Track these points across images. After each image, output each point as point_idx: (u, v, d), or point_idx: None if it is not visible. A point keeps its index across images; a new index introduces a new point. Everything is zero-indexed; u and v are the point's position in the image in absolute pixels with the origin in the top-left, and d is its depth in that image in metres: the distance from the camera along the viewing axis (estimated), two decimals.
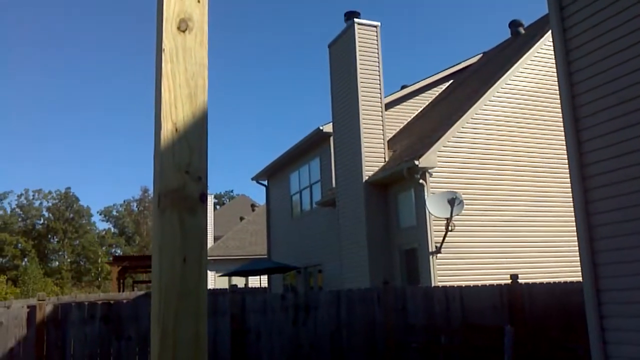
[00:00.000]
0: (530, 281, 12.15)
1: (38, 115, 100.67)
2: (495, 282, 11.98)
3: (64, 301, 21.29)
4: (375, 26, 17.86)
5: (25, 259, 69.30)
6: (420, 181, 14.65)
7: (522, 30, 21.60)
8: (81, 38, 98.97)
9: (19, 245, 71.28)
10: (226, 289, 20.95)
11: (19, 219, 76.17)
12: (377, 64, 17.52)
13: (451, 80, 22.40)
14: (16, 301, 24.26)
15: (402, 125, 20.78)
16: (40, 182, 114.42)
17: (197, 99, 1.47)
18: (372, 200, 16.40)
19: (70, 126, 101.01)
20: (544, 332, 11.03)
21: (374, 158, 16.93)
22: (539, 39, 16.73)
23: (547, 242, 15.22)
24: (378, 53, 17.62)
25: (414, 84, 21.68)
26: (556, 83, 7.48)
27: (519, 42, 19.93)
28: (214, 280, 32.24)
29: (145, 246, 75.96)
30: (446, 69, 22.58)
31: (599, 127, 6.75)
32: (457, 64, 22.85)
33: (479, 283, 12.24)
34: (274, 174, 25.26)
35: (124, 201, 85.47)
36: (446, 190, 14.34)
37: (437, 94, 21.91)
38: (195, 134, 1.46)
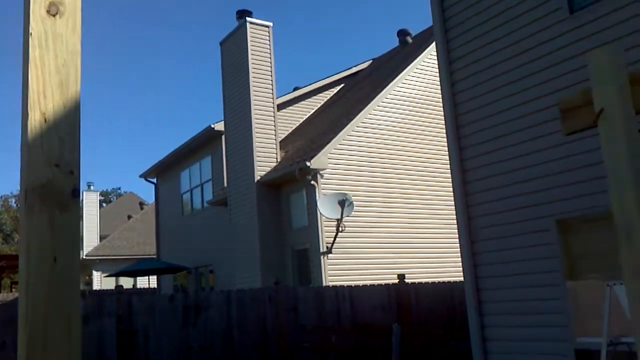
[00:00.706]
0: (417, 281, 12.58)
1: None
2: (383, 282, 12.29)
3: None
4: (267, 26, 17.84)
5: None
6: (312, 182, 14.79)
7: (409, 40, 22.37)
8: None
9: None
10: (112, 289, 20.13)
11: None
12: (269, 63, 17.51)
13: (343, 84, 22.80)
14: None
15: (294, 127, 20.90)
16: None
17: (69, 89, 1.37)
18: (264, 200, 16.36)
19: None
20: (430, 329, 11.44)
21: (266, 158, 16.90)
22: (425, 49, 17.39)
23: (432, 243, 15.83)
24: (270, 53, 17.61)
25: (306, 86, 21.86)
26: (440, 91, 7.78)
27: (406, 50, 20.62)
28: (100, 281, 30.94)
29: None
30: (338, 73, 22.96)
31: (479, 135, 7.09)
32: (348, 69, 23.29)
33: (369, 283, 12.51)
34: (164, 172, 24.56)
35: (1, 197, 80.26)
36: (337, 191, 14.57)
37: (329, 96, 22.23)
38: (67, 125, 1.36)
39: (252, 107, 16.88)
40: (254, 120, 16.87)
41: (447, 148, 7.47)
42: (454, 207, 7.31)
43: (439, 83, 7.86)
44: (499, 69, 6.90)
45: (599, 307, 5.53)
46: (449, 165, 7.45)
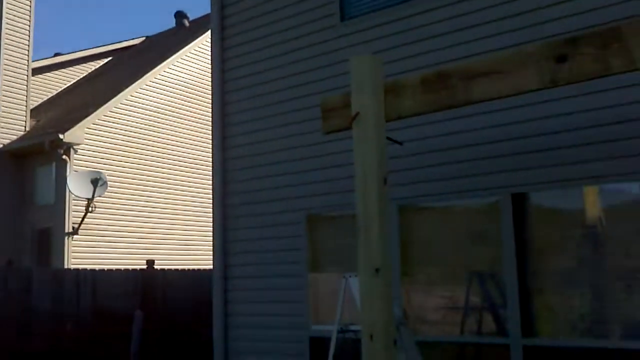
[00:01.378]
0: (168, 267, 12.33)
1: None
2: (132, 267, 11.82)
3: None
4: None
5: None
6: (64, 157, 13.72)
7: (186, 23, 21.99)
8: None
9: None
10: None
11: None
12: (28, 20, 15.85)
13: (111, 57, 21.57)
14: None
15: (51, 95, 19.21)
16: None
17: None
18: (6, 171, 14.76)
19: None
20: (177, 317, 11.26)
21: (12, 125, 15.25)
22: (201, 34, 17.20)
23: (188, 231, 15.68)
24: (31, 9, 15.96)
25: (69, 54, 20.27)
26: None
27: (182, 33, 20.21)
28: None
29: None
30: (107, 45, 21.70)
31: (243, 126, 7.19)
32: (119, 42, 22.15)
33: (117, 267, 11.94)
34: None
35: None
36: (91, 169, 13.71)
37: (94, 68, 20.87)
38: None
39: (2, 65, 15.10)
40: (1, 81, 15.09)
41: (211, 137, 7.42)
42: (211, 194, 7.28)
43: (210, 71, 7.77)
44: (269, 64, 7.06)
45: (336, 298, 5.92)
46: (210, 154, 7.42)
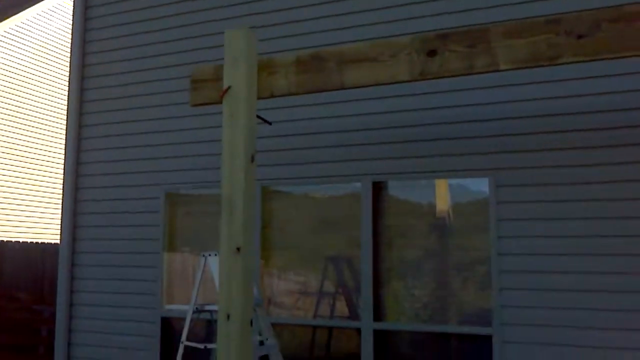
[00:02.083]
0: (7, 239, 11.40)
1: None
2: None
3: None
4: None
5: None
6: None
7: None
8: None
9: None
10: None
11: None
12: None
13: None
14: None
15: None
16: None
17: None
18: None
19: None
20: (13, 293, 10.45)
21: None
22: None
23: (33, 201, 14.60)
24: None
25: None
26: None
27: None
28: None
29: None
30: None
31: (103, 91, 6.82)
32: None
33: None
34: None
35: None
36: None
37: None
38: None
39: None
40: None
41: (67, 101, 6.93)
42: (63, 162, 6.79)
43: (70, 30, 7.23)
44: (135, 28, 6.71)
45: (192, 277, 5.76)
46: (65, 117, 6.92)
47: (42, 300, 9.96)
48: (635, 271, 4.58)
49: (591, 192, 4.78)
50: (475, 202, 5.34)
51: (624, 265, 4.61)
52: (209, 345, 4.21)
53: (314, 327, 5.81)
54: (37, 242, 11.71)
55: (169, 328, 6.07)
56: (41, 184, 14.68)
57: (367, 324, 5.34)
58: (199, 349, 4.35)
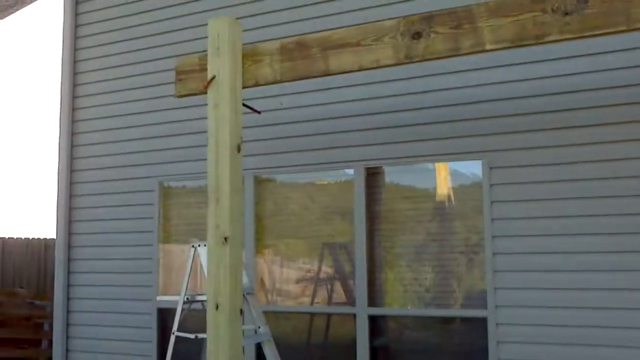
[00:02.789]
0: (9, 236, 11.44)
1: None
2: None
3: None
4: None
5: None
6: None
7: None
8: None
9: None
10: None
11: None
12: None
13: None
14: None
15: None
16: None
17: None
18: None
19: None
20: (18, 288, 10.50)
21: None
22: None
23: (31, 196, 14.64)
24: None
25: None
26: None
27: None
28: None
29: None
30: None
31: (96, 85, 6.80)
32: None
33: None
34: None
35: None
36: None
37: None
38: None
39: None
40: None
41: (60, 93, 6.91)
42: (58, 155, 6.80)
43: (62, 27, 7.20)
44: (124, 22, 6.68)
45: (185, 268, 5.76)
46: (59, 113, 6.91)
47: (45, 294, 10.00)
48: (628, 250, 4.55)
49: (583, 171, 4.74)
50: (468, 185, 5.30)
51: (617, 244, 4.58)
52: (200, 335, 4.21)
53: (310, 314, 5.81)
54: (39, 238, 11.75)
55: (166, 319, 6.08)
56: (43, 180, 14.70)
57: (362, 310, 5.33)
58: (191, 339, 4.35)
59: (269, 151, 5.79)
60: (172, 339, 4.50)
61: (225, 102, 3.84)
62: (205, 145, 3.64)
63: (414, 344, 5.38)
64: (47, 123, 15.05)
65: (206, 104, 3.73)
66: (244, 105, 4.01)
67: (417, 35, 3.66)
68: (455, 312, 5.19)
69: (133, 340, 6.19)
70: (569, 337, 4.64)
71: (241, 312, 3.65)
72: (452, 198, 5.29)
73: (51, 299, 7.51)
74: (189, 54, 5.75)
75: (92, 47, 6.82)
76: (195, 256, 4.57)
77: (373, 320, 5.32)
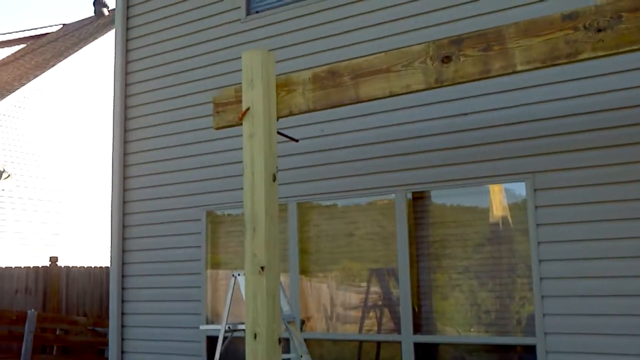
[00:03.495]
0: (72, 265, 11.86)
1: None
2: (33, 265, 11.30)
3: None
4: None
5: None
6: None
7: (106, 12, 21.26)
8: None
9: None
10: None
11: None
12: None
13: (23, 45, 20.58)
14: None
15: None
16: None
17: None
18: None
19: None
20: (74, 315, 10.84)
21: None
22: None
23: (94, 227, 15.16)
24: None
25: None
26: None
27: (101, 22, 19.53)
28: None
29: None
30: (19, 31, 20.66)
31: (145, 119, 7.00)
32: (33, 29, 21.17)
33: (16, 265, 11.39)
34: None
35: None
36: None
37: (5, 56, 19.86)
38: None
39: None
40: None
41: (112, 127, 7.17)
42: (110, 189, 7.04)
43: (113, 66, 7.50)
44: (172, 57, 6.89)
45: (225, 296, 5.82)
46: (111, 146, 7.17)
47: (106, 321, 10.28)
48: None
49: (633, 191, 4.54)
50: (514, 207, 5.16)
51: None
52: None
53: (355, 342, 5.75)
54: (101, 266, 12.13)
55: (214, 347, 6.11)
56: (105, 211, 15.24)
57: (408, 337, 5.24)
58: None
59: (312, 178, 5.82)
60: None
61: (259, 132, 3.90)
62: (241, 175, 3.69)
63: None
64: (105, 155, 15.61)
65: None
66: (281, 134, 4.05)
67: (446, 59, 3.63)
68: (503, 339, 5.02)
69: None
70: None
71: (280, 340, 3.65)
72: (498, 221, 5.17)
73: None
74: (226, 86, 5.92)
75: (142, 82, 7.06)
76: (236, 285, 4.62)
77: (419, 347, 5.22)
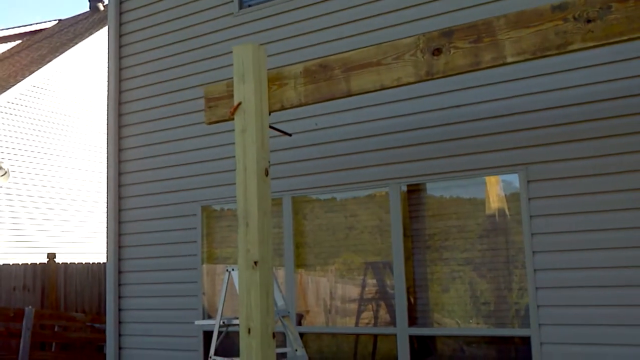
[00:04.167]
0: (70, 262, 11.86)
1: None
2: (31, 262, 11.31)
3: None
4: None
5: None
6: None
7: (101, 7, 21.19)
8: None
9: None
10: None
11: None
12: None
13: (19, 41, 20.54)
14: None
15: None
16: None
17: None
18: None
19: None
20: (72, 312, 10.85)
21: None
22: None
23: (92, 223, 15.17)
24: None
25: None
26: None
27: (96, 17, 19.47)
28: None
29: None
30: (14, 28, 20.62)
31: (139, 115, 6.99)
32: (29, 25, 21.12)
33: (14, 262, 11.39)
34: None
35: None
36: None
37: (1, 52, 19.81)
38: None
39: None
40: None
41: (106, 124, 7.17)
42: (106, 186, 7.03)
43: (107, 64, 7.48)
44: (165, 52, 6.87)
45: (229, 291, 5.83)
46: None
47: (102, 318, 10.29)
48: None
49: (628, 181, 4.54)
50: (508, 199, 5.17)
51: None
52: None
53: (351, 335, 5.76)
54: (99, 263, 12.13)
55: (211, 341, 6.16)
56: (101, 206, 15.24)
57: (403, 330, 5.25)
58: None
59: (306, 172, 5.82)
60: None
61: (251, 127, 3.89)
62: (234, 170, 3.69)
63: None
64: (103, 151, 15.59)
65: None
66: (273, 129, 4.04)
67: (437, 52, 3.62)
68: (497, 331, 5.04)
69: None
70: (616, 356, 4.43)
71: (275, 335, 3.66)
72: (493, 214, 5.17)
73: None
74: (219, 80, 5.90)
75: (136, 77, 7.05)
76: (231, 280, 4.63)
77: (414, 340, 5.23)
